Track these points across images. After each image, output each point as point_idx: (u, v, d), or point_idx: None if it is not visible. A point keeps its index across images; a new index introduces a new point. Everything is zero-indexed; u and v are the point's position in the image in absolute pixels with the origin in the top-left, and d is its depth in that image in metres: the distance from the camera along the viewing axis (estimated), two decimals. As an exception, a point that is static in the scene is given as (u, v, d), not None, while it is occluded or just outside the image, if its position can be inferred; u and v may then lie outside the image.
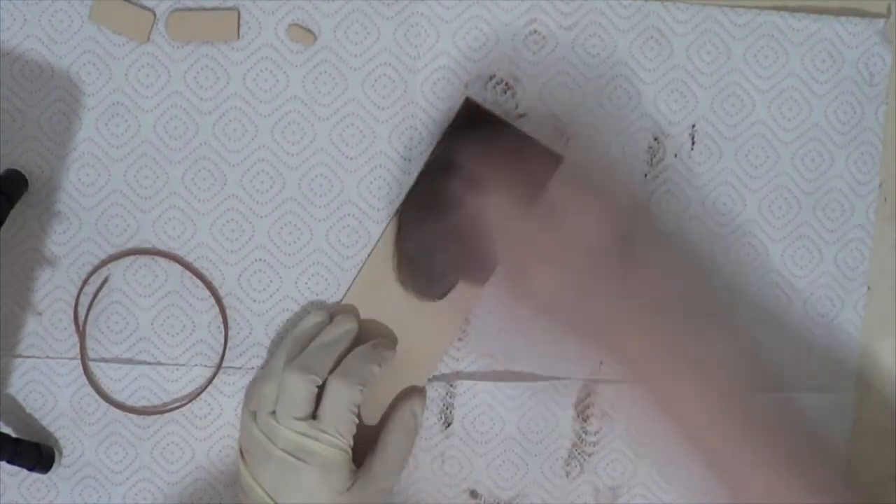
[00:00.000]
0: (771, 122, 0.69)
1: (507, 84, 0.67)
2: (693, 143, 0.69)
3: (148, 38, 0.66)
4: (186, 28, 0.66)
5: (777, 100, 0.69)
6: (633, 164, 0.69)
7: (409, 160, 0.67)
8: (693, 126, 0.68)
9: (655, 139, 0.68)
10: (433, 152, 0.66)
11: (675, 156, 0.69)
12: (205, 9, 0.66)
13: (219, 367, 0.68)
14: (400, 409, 0.67)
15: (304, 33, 0.66)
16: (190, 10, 0.66)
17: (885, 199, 0.70)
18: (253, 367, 0.68)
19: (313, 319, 0.66)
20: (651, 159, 0.69)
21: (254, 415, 0.64)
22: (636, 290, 0.61)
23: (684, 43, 0.68)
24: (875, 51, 0.69)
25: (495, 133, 0.66)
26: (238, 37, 0.66)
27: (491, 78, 0.67)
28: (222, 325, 0.68)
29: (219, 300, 0.67)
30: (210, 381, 0.68)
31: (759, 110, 0.69)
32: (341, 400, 0.62)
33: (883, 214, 0.70)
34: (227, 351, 0.67)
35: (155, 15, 0.65)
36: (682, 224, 0.69)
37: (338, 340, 0.65)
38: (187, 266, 0.67)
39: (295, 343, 0.65)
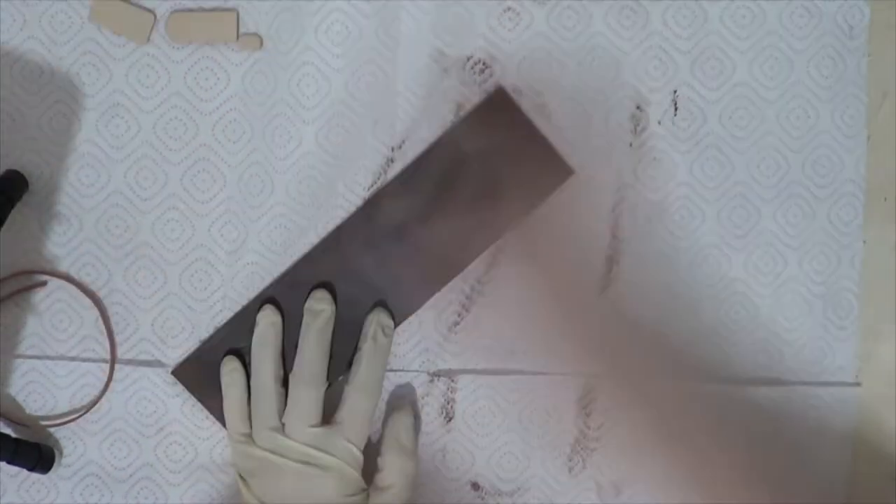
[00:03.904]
0: (753, 83, 0.68)
1: (484, 63, 0.68)
2: (676, 109, 0.68)
3: (147, 40, 0.67)
4: (186, 30, 0.67)
5: (757, 59, 0.68)
6: (617, 135, 0.68)
7: (392, 147, 0.68)
8: (675, 92, 0.68)
9: (638, 107, 0.68)
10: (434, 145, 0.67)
11: (659, 123, 0.68)
12: (204, 10, 0.67)
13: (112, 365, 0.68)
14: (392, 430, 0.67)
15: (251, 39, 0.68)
16: (190, 11, 0.67)
17: (885, 199, 0.69)
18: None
19: (269, 320, 0.66)
20: (635, 128, 0.68)
21: (245, 437, 0.64)
22: None
23: (660, 8, 0.68)
24: (853, 2, 0.68)
25: (517, 129, 0.67)
26: (237, 38, 0.67)
27: (468, 59, 0.68)
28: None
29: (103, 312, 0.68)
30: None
31: (740, 71, 0.68)
32: (361, 412, 0.64)
33: (883, 214, 0.69)
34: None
35: (155, 16, 0.67)
36: (671, 191, 0.68)
37: (324, 333, 0.65)
38: (75, 283, 0.68)
39: (265, 352, 0.65)
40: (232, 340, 0.67)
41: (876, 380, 0.69)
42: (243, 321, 0.67)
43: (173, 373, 0.67)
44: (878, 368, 0.69)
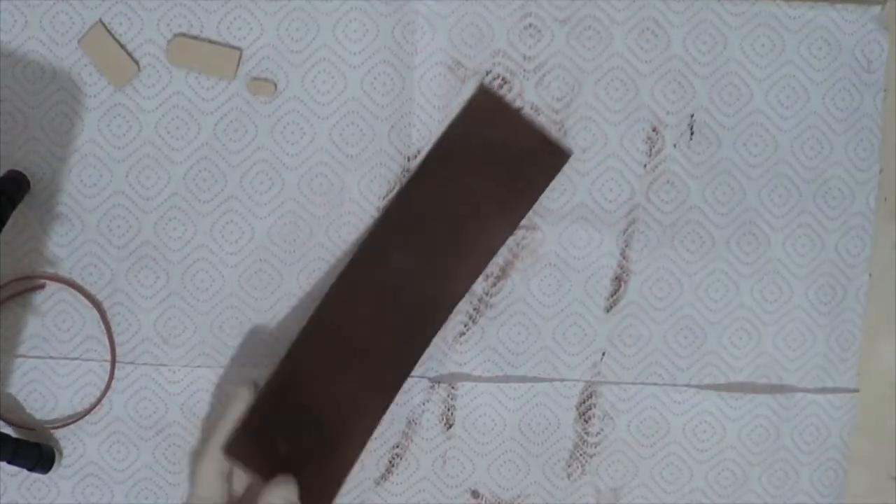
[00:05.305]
0: (769, 111, 0.69)
1: (503, 79, 0.67)
2: (692, 133, 0.68)
3: (235, 76, 0.66)
4: (186, 55, 0.66)
5: (774, 88, 0.69)
6: (632, 156, 0.69)
7: (408, 157, 0.67)
8: (692, 116, 0.68)
9: (654, 130, 0.68)
10: (430, 153, 0.67)
11: (675, 146, 0.68)
12: (210, 41, 0.66)
13: (111, 368, 0.68)
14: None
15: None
16: (195, 38, 0.66)
17: (886, 199, 0.70)
18: (256, 366, 0.67)
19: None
20: (650, 150, 0.68)
21: None
22: None
23: (681, 33, 0.68)
24: (872, 37, 0.69)
25: (507, 123, 0.67)
26: (235, 76, 0.66)
27: (487, 73, 0.67)
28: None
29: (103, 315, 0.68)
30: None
31: (757, 99, 0.68)
32: None
33: (883, 213, 0.70)
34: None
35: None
36: (682, 215, 0.69)
37: None
38: (75, 286, 0.67)
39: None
40: (274, 409, 0.64)
41: (876, 380, 0.71)
42: (281, 385, 0.65)
43: (225, 451, 0.62)
44: (878, 368, 0.71)
